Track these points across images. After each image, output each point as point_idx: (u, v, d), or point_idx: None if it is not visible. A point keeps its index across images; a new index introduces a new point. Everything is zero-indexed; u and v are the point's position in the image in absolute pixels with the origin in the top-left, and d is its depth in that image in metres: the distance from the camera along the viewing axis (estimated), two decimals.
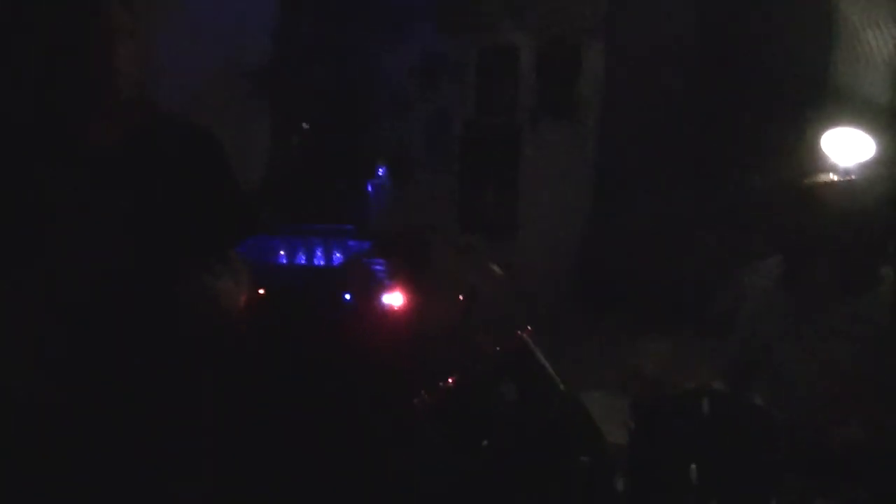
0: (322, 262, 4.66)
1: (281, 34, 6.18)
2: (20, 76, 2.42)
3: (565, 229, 5.80)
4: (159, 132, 2.48)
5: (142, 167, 2.43)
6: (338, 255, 4.65)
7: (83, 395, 2.35)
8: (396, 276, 4.52)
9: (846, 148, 4.69)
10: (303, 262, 4.64)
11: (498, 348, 3.93)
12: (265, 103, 6.10)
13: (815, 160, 4.83)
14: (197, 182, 2.48)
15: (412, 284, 4.48)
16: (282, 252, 4.61)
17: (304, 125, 4.60)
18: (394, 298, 4.46)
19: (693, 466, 3.45)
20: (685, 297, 5.15)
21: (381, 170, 4.92)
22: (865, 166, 4.63)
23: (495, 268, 4.44)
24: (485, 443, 3.68)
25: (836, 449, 3.72)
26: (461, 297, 4.38)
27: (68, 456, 2.36)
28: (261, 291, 3.74)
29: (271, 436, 4.18)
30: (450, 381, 3.89)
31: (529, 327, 3.99)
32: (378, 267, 4.55)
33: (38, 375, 2.35)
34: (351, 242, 4.66)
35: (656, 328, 4.97)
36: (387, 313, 4.45)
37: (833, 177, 4.70)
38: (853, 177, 4.63)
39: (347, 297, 4.48)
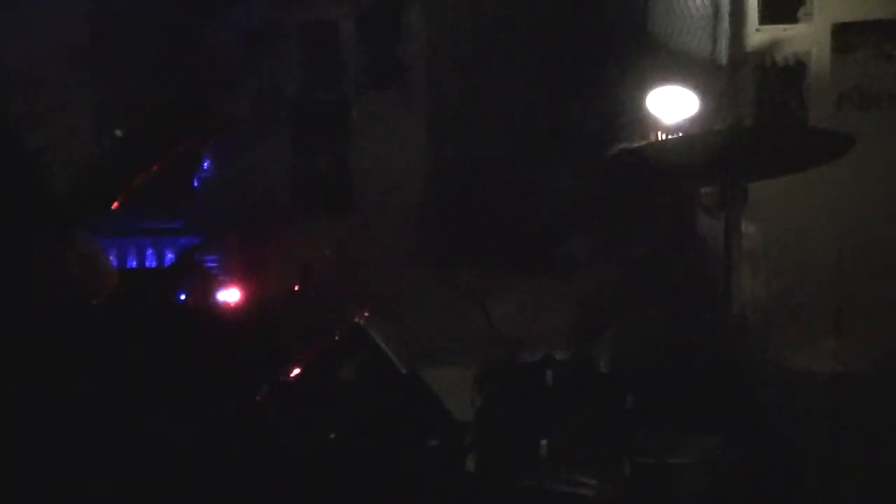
0: (153, 263, 4.52)
1: (98, 12, 5.94)
2: None
3: (404, 196, 5.74)
4: None
5: None
6: (169, 254, 4.51)
7: None
8: (231, 271, 4.41)
9: (671, 105, 4.75)
10: (133, 264, 4.50)
11: (336, 336, 3.88)
12: (87, 88, 5.88)
13: (641, 119, 4.90)
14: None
15: (247, 277, 4.37)
16: (111, 254, 4.45)
17: (117, 132, 4.42)
18: (230, 294, 4.36)
19: (543, 442, 3.48)
20: (529, 246, 5.17)
21: (206, 162, 4.79)
22: (690, 122, 4.70)
23: (329, 252, 4.38)
24: (331, 435, 3.64)
25: (685, 396, 3.79)
26: (296, 287, 4.31)
27: None
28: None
29: (110, 438, 4.04)
30: (290, 372, 3.84)
31: (367, 312, 3.95)
32: (211, 263, 4.43)
33: None
34: (182, 240, 4.53)
35: (504, 284, 4.96)
36: (223, 310, 4.34)
37: (661, 136, 4.79)
38: (679, 134, 4.72)
39: (182, 296, 4.35)
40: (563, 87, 5.38)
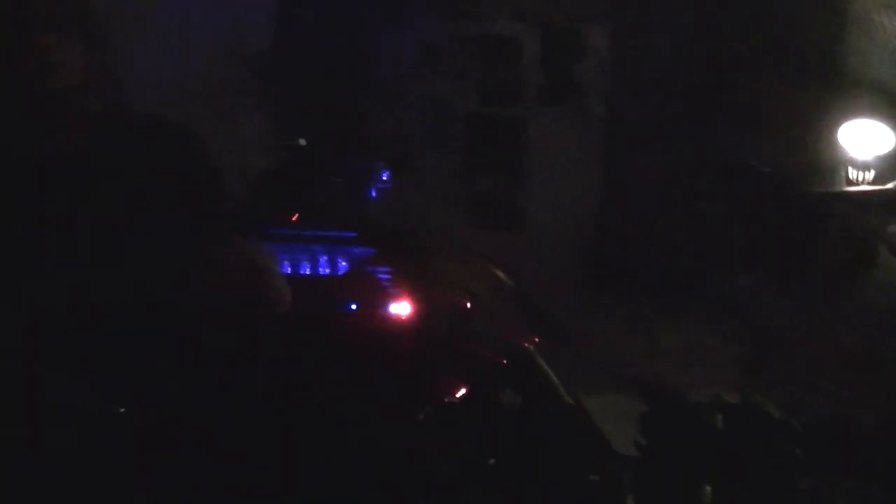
0: (326, 271, 4.56)
1: (279, 21, 6.07)
2: None
3: (576, 219, 5.69)
4: (130, 135, 2.40)
5: (111, 172, 2.35)
6: (342, 263, 4.54)
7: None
8: (402, 284, 4.42)
9: (864, 140, 4.56)
10: (306, 271, 4.55)
11: (504, 360, 3.85)
12: (263, 96, 6.01)
13: (833, 152, 4.71)
14: (175, 182, 2.40)
15: (417, 292, 4.37)
16: (284, 261, 4.51)
17: (301, 141, 4.48)
18: (400, 307, 4.36)
19: (708, 488, 3.38)
20: (700, 281, 5.07)
21: (385, 174, 4.82)
22: (884, 159, 4.51)
23: (500, 273, 4.35)
24: (491, 461, 3.61)
25: (851, 445, 3.65)
26: (467, 305, 4.29)
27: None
28: None
29: (270, 448, 4.10)
30: (453, 393, 3.83)
31: (537, 338, 3.91)
32: (383, 275, 4.45)
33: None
34: (355, 250, 4.56)
35: (671, 317, 4.88)
36: (393, 323, 4.35)
37: (851, 171, 4.60)
38: (872, 170, 4.53)
39: (353, 306, 4.39)
40: (745, 116, 5.25)
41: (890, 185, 4.37)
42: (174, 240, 2.31)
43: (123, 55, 2.59)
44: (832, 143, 4.67)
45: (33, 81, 2.26)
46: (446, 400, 3.79)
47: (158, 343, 2.34)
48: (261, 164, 5.26)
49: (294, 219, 4.19)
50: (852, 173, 4.53)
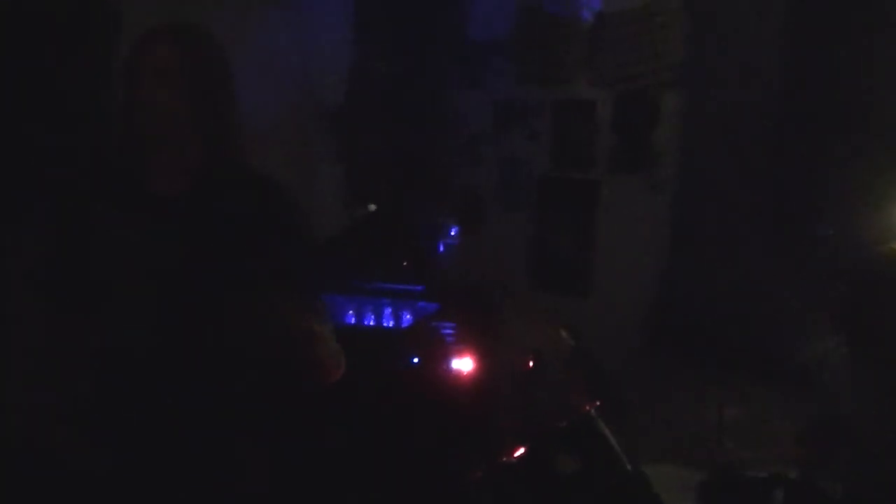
0: (391, 324, 4.61)
1: (356, 76, 6.17)
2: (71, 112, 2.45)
3: (642, 286, 5.68)
4: (228, 183, 2.48)
5: (206, 217, 2.42)
6: (407, 316, 4.59)
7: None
8: (466, 341, 4.45)
9: None
10: (371, 322, 4.60)
11: (563, 423, 3.84)
12: (337, 147, 6.09)
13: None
14: (264, 234, 2.46)
15: (481, 349, 4.40)
16: (350, 312, 4.57)
17: (371, 207, 4.56)
18: (463, 364, 4.39)
19: None
20: (764, 354, 5.02)
21: (453, 230, 4.87)
22: None
23: (565, 334, 4.36)
24: None
25: None
26: (529, 364, 4.31)
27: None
28: None
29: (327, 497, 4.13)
30: (512, 453, 3.82)
31: (598, 401, 3.90)
32: (447, 330, 4.48)
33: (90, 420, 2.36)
34: (420, 304, 4.61)
35: (734, 390, 4.83)
36: (455, 379, 4.38)
37: None
38: None
39: (415, 360, 4.42)
40: (818, 183, 5.22)
41: None
42: (238, 286, 2.37)
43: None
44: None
45: (142, 127, 2.36)
46: (504, 459, 3.79)
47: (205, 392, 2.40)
48: (336, 220, 5.34)
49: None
50: None
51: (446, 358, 4.40)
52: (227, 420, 2.48)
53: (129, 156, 2.45)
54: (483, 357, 4.38)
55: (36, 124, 2.77)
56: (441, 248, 4.90)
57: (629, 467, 3.69)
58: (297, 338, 2.38)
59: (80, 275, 2.38)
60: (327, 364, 2.51)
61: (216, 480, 2.49)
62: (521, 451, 3.81)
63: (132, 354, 2.39)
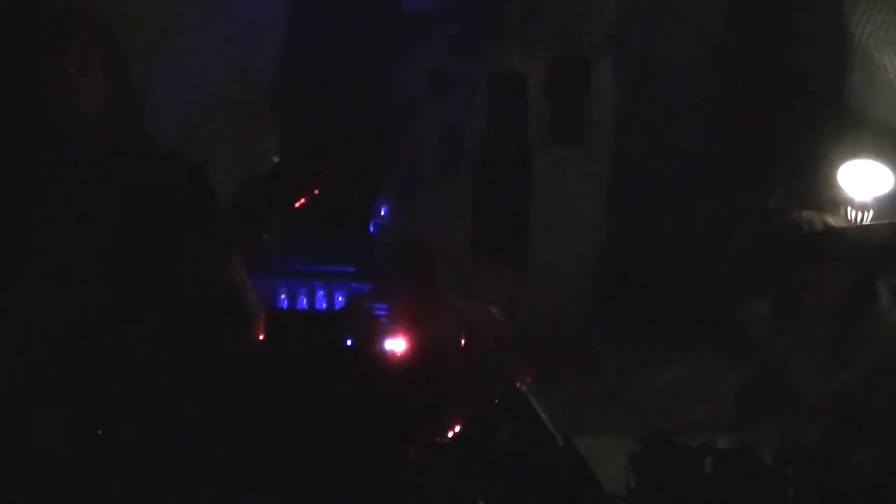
0: (324, 306, 4.59)
1: (292, 50, 6.09)
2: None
3: (580, 255, 5.67)
4: (141, 165, 2.48)
5: (118, 196, 2.43)
6: (340, 298, 4.58)
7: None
8: (399, 321, 4.44)
9: (864, 181, 4.55)
10: (304, 305, 4.58)
11: (495, 399, 3.86)
12: (275, 119, 6.02)
13: (831, 192, 4.69)
14: (177, 214, 2.47)
15: (414, 328, 4.39)
16: (282, 295, 4.55)
17: (274, 158, 4.51)
18: (396, 344, 4.39)
19: None
20: (701, 317, 5.03)
21: (383, 209, 4.85)
22: (883, 200, 4.49)
23: (496, 312, 4.36)
24: (481, 502, 3.61)
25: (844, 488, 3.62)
26: (461, 343, 4.31)
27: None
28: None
29: (264, 479, 4.12)
30: (447, 430, 3.84)
31: (528, 377, 3.92)
32: (380, 311, 4.48)
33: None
34: (353, 285, 4.59)
35: (672, 354, 4.84)
36: (389, 359, 4.37)
37: (850, 211, 4.59)
38: (871, 211, 4.52)
39: (349, 341, 4.41)
40: (748, 152, 5.23)
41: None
42: (174, 252, 2.38)
43: (141, 83, 2.65)
44: (832, 182, 4.65)
45: (59, 108, 2.34)
46: (438, 438, 3.80)
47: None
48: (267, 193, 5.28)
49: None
50: (851, 213, 4.52)
51: (380, 338, 4.39)
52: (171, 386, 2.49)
53: (44, 137, 2.43)
54: (417, 336, 4.37)
55: None
56: (371, 228, 4.89)
57: (560, 441, 3.71)
58: (232, 289, 2.42)
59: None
60: (256, 314, 2.55)
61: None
62: (457, 428, 3.84)
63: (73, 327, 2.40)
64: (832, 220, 4.48)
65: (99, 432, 2.45)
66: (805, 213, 4.04)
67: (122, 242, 2.46)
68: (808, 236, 4.01)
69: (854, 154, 4.64)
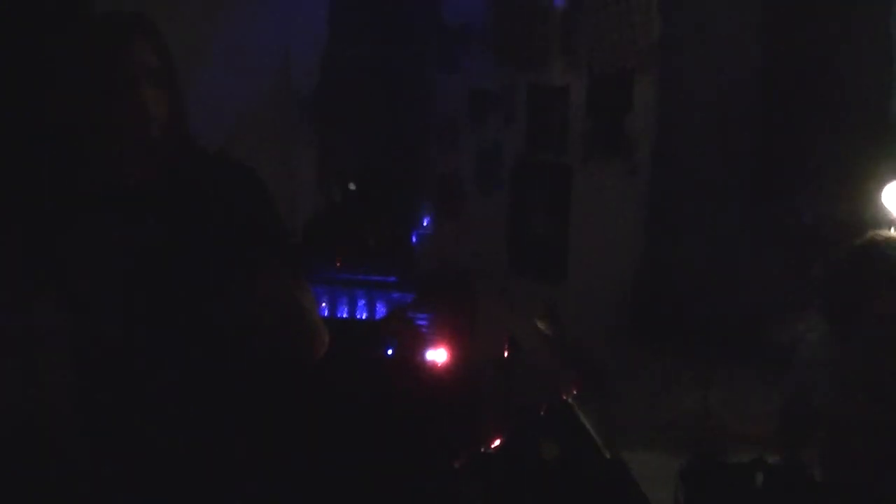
0: (364, 315, 4.57)
1: (330, 62, 6.11)
2: (52, 118, 2.41)
3: (619, 270, 5.64)
4: (197, 170, 2.44)
5: (177, 204, 2.39)
6: (381, 307, 4.56)
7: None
8: (441, 331, 4.41)
9: None
10: (345, 314, 4.56)
11: (542, 412, 3.82)
12: (312, 135, 6.03)
13: (875, 213, 4.63)
14: (237, 220, 2.43)
15: (456, 339, 4.37)
16: (323, 304, 4.53)
17: (351, 185, 4.51)
18: (438, 354, 4.36)
19: None
20: (743, 336, 4.99)
21: (426, 220, 4.83)
22: None
23: (542, 324, 4.32)
24: None
25: None
26: (506, 354, 4.27)
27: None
28: None
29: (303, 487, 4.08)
30: (491, 443, 3.80)
31: (575, 389, 3.88)
32: (422, 321, 4.45)
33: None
34: (395, 294, 4.57)
35: (714, 372, 4.80)
36: (430, 369, 4.34)
37: (894, 232, 4.52)
38: None
39: (390, 351, 4.39)
40: (792, 169, 5.19)
41: None
42: (228, 270, 2.34)
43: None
44: (876, 202, 4.59)
45: (132, 131, 2.32)
46: (482, 450, 3.76)
47: (194, 370, 2.36)
48: (311, 203, 5.28)
49: (339, 263, 4.19)
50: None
51: (421, 349, 4.37)
52: (218, 411, 2.45)
53: (100, 147, 2.40)
54: (458, 347, 4.34)
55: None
56: (414, 239, 4.87)
57: (608, 455, 3.66)
58: (288, 311, 2.36)
59: (57, 267, 2.35)
60: (315, 337, 2.49)
61: (208, 475, 2.45)
62: (500, 440, 3.80)
63: (112, 347, 2.36)
64: None
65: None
66: (879, 235, 3.95)
67: (177, 258, 2.42)
68: (880, 259, 3.93)
69: None
